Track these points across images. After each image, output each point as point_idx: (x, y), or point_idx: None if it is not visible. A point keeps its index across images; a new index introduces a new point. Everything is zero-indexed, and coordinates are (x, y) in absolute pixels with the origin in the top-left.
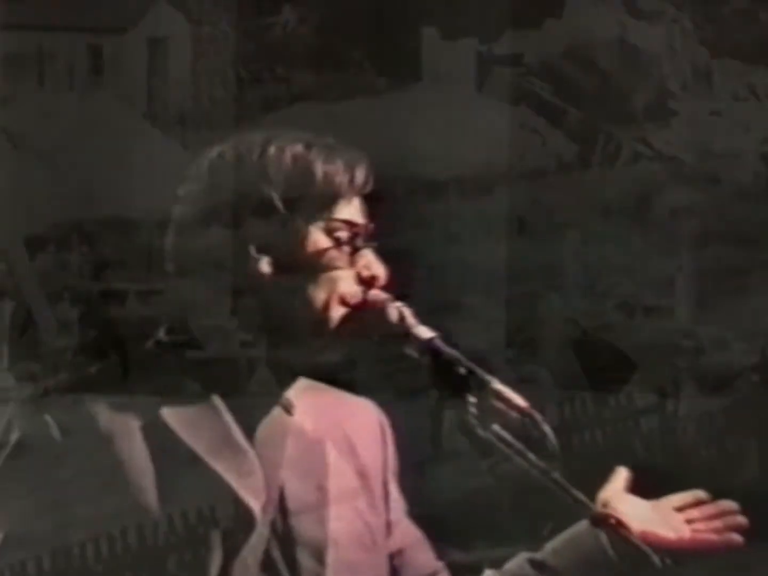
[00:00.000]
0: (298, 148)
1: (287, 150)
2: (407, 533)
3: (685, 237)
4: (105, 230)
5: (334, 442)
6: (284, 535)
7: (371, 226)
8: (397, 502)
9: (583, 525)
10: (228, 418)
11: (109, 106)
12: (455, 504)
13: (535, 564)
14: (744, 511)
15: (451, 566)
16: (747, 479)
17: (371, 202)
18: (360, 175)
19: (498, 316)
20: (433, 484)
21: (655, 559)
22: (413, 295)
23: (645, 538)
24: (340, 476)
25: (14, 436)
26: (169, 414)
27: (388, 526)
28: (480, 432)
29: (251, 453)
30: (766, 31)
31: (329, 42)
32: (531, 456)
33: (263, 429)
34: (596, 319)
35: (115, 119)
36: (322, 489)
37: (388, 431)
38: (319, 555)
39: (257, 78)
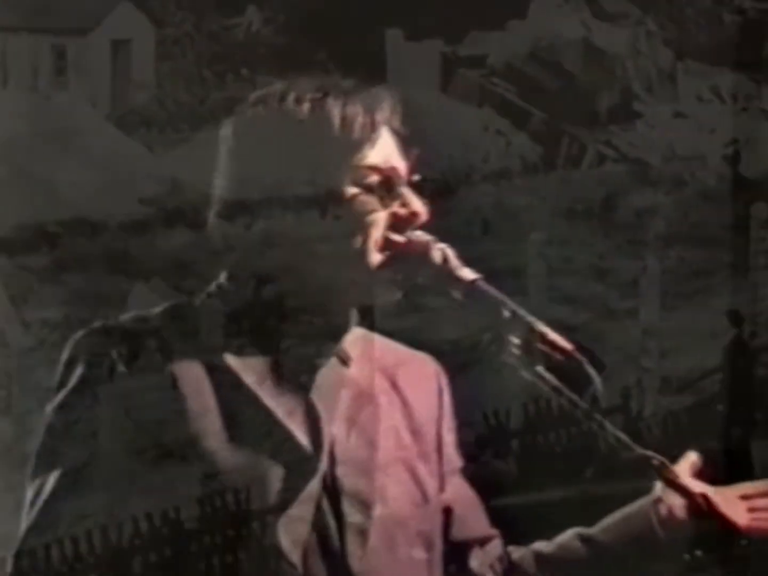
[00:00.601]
0: (316, 95)
1: (305, 98)
2: (459, 491)
3: (649, 238)
4: (68, 232)
5: (386, 396)
6: (333, 487)
7: (413, 159)
8: (451, 457)
9: (635, 506)
10: (288, 366)
11: (73, 108)
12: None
13: (584, 539)
14: None
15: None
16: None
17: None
18: (382, 114)
19: (462, 316)
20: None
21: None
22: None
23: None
24: (391, 431)
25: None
26: (233, 360)
27: (441, 480)
28: (524, 373)
29: (309, 403)
30: (730, 33)
31: (293, 43)
32: (574, 397)
33: (321, 379)
34: (561, 320)
35: (78, 121)
36: (372, 444)
37: (445, 385)
38: (366, 509)
39: (221, 79)
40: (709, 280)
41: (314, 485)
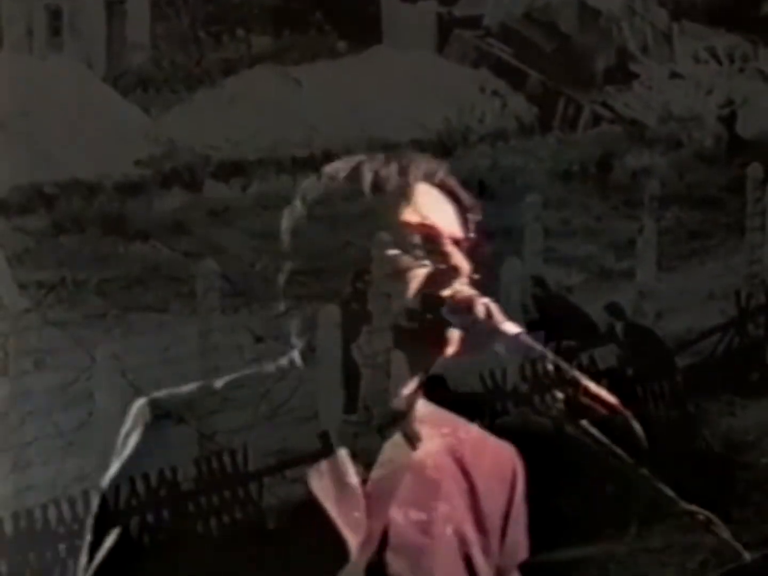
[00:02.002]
0: (353, 161)
1: (345, 165)
2: None
3: (645, 199)
4: (64, 194)
5: (452, 481)
6: (378, 572)
7: (470, 221)
8: (514, 549)
9: None
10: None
11: (69, 69)
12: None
13: None
14: (702, 468)
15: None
16: (707, 438)
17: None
18: (417, 171)
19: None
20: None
21: (746, 555)
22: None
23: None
24: (451, 520)
25: None
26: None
27: (498, 572)
28: (568, 428)
29: (359, 488)
30: None
31: (289, 4)
32: (619, 451)
33: (384, 456)
34: (557, 281)
35: (74, 82)
36: (427, 533)
37: (520, 475)
38: None
39: (217, 40)
40: (705, 241)
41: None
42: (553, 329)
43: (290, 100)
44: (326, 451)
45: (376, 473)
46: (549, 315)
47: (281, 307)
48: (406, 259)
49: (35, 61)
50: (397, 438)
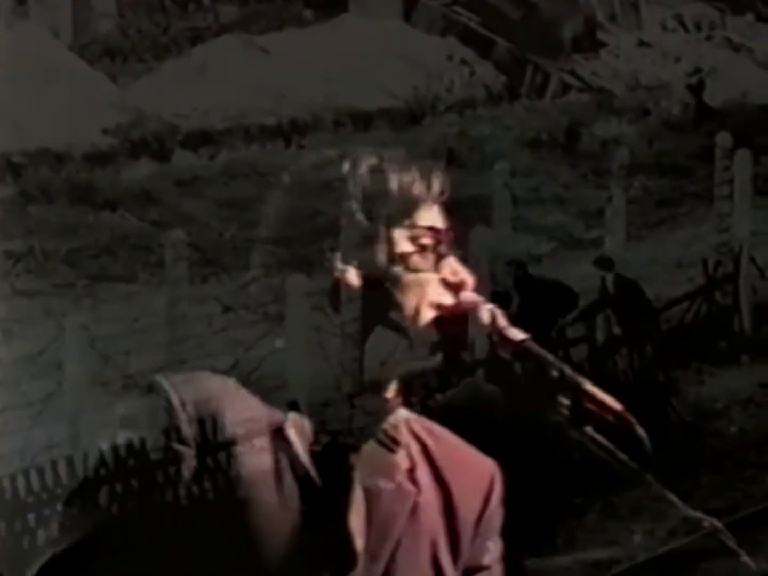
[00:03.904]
0: (373, 160)
1: (362, 163)
2: None
3: (614, 168)
4: (32, 163)
5: (427, 490)
6: None
7: (451, 233)
8: (482, 552)
9: None
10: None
11: (35, 37)
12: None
13: None
14: (672, 436)
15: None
16: (676, 406)
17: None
18: (436, 182)
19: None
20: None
21: (752, 564)
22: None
23: None
24: (425, 534)
25: None
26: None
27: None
28: (573, 434)
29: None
30: None
31: None
32: (624, 458)
33: (361, 463)
34: (526, 250)
35: (41, 51)
36: (390, 539)
37: (498, 491)
38: None
39: (183, 9)
40: (673, 210)
41: None
42: (539, 309)
43: (258, 68)
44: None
45: (356, 473)
46: (532, 297)
47: (249, 276)
48: (422, 261)
49: (1, 29)
50: (373, 444)
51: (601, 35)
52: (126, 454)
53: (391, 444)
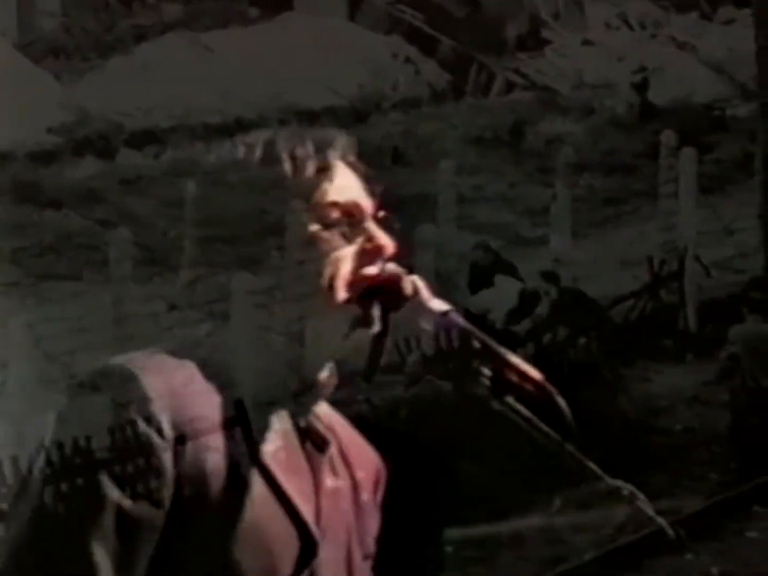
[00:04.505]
0: (267, 135)
1: (259, 139)
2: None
3: (559, 166)
4: None
5: (341, 477)
6: None
7: (377, 196)
8: (365, 544)
9: None
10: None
11: None
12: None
13: None
14: (619, 434)
15: None
16: (622, 404)
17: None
18: (335, 152)
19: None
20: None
21: (669, 531)
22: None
23: None
24: (343, 516)
25: None
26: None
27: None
28: (494, 404)
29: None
30: None
31: None
32: (545, 428)
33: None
34: (470, 248)
35: None
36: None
37: (382, 481)
38: None
39: (128, 7)
40: (619, 208)
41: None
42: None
43: (202, 67)
44: (241, 418)
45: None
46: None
47: (189, 275)
48: (334, 238)
49: None
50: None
51: (545, 33)
52: (71, 453)
53: (320, 444)
